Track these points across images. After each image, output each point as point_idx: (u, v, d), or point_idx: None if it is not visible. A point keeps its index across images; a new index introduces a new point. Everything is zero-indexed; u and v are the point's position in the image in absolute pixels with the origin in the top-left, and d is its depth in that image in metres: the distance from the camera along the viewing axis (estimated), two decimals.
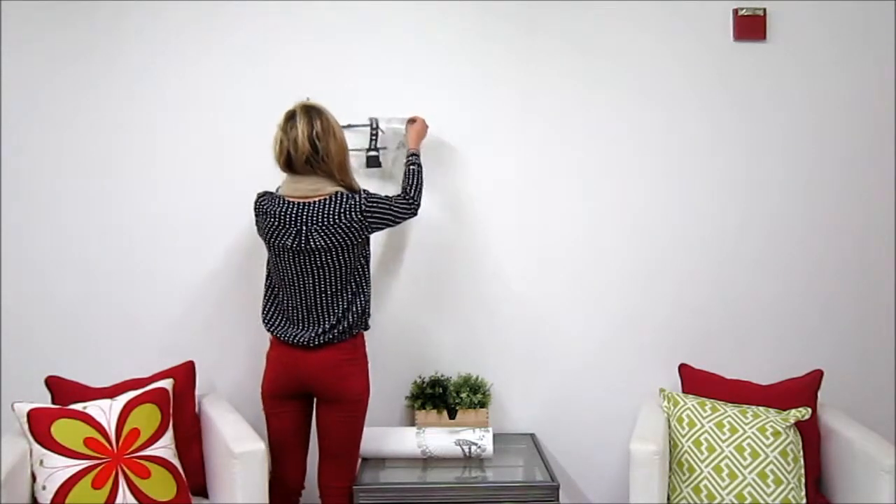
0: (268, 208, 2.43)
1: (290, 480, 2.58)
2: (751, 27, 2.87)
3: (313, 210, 2.38)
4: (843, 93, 2.91)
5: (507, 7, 2.87)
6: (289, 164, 2.39)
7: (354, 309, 2.46)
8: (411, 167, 2.60)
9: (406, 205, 2.53)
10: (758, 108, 2.91)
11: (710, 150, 2.92)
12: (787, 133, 2.91)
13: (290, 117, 2.39)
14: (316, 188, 2.39)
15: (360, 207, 2.39)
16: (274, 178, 2.81)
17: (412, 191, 2.56)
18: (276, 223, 2.40)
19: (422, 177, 2.60)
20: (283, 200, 2.41)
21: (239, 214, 2.84)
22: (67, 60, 2.81)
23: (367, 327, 2.53)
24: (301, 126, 2.35)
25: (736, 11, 2.87)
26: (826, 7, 2.89)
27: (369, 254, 2.52)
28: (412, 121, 2.76)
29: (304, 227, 2.38)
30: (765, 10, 2.87)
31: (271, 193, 2.47)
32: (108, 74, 2.82)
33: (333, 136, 2.39)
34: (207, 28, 2.84)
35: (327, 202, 2.38)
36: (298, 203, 2.39)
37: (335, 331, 2.43)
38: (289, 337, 2.45)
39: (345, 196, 2.39)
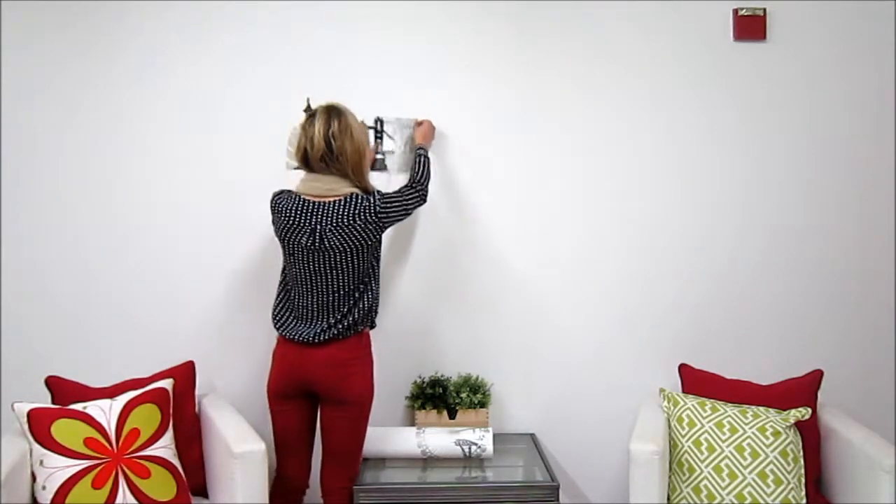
0: (283, 206, 2.45)
1: (293, 479, 2.58)
2: (751, 27, 2.87)
3: (328, 210, 2.40)
4: (842, 93, 2.91)
5: (508, 7, 2.87)
6: (306, 161, 2.44)
7: (361, 306, 2.47)
8: (419, 158, 2.65)
9: (415, 193, 2.56)
10: (758, 108, 2.91)
11: (710, 151, 2.91)
12: (787, 133, 2.91)
13: (311, 116, 2.44)
14: (331, 188, 2.41)
15: (375, 209, 2.42)
16: (275, 178, 2.82)
17: (420, 177, 2.60)
18: (291, 221, 2.42)
19: (429, 166, 2.65)
20: (299, 198, 2.44)
21: (240, 215, 2.84)
22: (67, 60, 2.81)
23: (373, 325, 2.55)
24: (318, 125, 2.40)
25: (736, 11, 2.87)
26: (826, 7, 2.89)
27: (380, 253, 2.56)
28: (419, 123, 2.81)
29: (318, 227, 2.40)
30: (765, 10, 2.87)
31: (289, 191, 2.49)
32: (109, 74, 2.82)
33: (350, 136, 2.42)
34: (208, 28, 2.84)
35: (342, 203, 2.40)
36: (313, 202, 2.41)
37: (339, 326, 2.43)
38: (294, 335, 2.46)
39: (360, 198, 2.42)
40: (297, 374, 2.47)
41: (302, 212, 2.41)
